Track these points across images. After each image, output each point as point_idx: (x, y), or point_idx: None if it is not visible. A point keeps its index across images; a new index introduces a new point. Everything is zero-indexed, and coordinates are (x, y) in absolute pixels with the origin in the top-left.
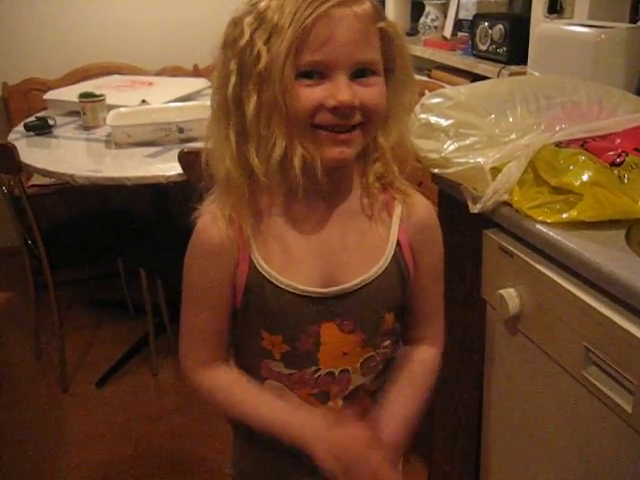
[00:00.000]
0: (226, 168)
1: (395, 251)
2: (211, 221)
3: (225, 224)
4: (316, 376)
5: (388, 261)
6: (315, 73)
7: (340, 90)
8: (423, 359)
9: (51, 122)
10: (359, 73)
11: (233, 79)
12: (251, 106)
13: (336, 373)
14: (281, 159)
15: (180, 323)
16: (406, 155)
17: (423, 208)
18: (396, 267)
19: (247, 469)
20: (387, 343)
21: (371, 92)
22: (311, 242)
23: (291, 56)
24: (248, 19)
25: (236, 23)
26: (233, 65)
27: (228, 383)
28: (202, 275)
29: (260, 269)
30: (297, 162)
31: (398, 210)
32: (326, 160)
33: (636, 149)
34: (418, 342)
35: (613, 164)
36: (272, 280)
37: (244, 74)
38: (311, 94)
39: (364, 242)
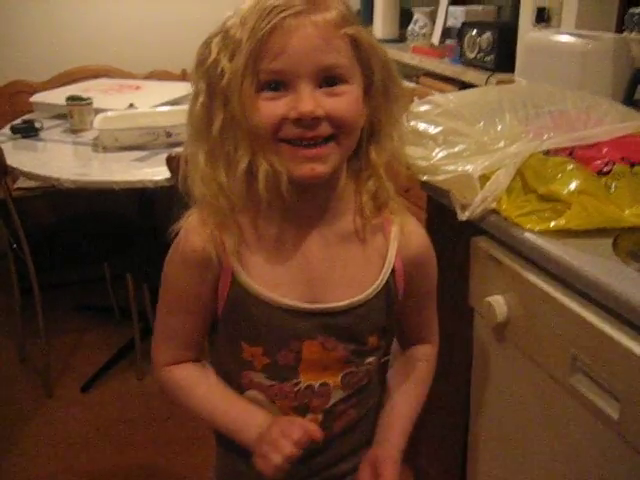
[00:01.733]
0: (199, 189)
1: (388, 278)
2: (193, 231)
3: (207, 236)
4: (296, 389)
5: (380, 288)
6: (278, 85)
7: (301, 100)
8: (423, 356)
9: (38, 125)
10: (327, 82)
11: (201, 98)
12: (217, 124)
13: (316, 387)
14: (247, 176)
15: (155, 319)
16: (399, 168)
17: (421, 237)
18: (385, 293)
19: (227, 477)
20: (370, 360)
21: (339, 101)
22: (297, 262)
23: (249, 69)
24: (216, 39)
25: (207, 44)
26: (201, 84)
27: (191, 381)
28: (179, 281)
29: (242, 282)
30: (262, 178)
31: (395, 237)
32: (298, 178)
33: (623, 158)
34: (415, 344)
35: (600, 173)
36: (254, 293)
37: (212, 93)
38: (274, 107)
39: (354, 265)
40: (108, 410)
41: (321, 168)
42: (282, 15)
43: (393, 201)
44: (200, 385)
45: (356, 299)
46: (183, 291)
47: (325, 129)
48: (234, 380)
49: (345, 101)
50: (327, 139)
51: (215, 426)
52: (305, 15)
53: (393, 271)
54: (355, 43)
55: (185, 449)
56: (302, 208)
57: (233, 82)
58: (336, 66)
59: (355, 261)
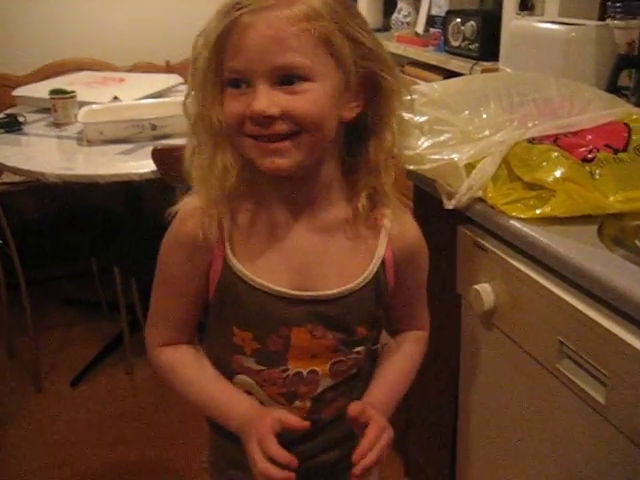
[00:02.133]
0: (194, 175)
1: (378, 269)
2: (187, 215)
3: (200, 220)
4: (284, 375)
5: (369, 278)
6: (240, 82)
7: (255, 99)
8: (412, 337)
9: (21, 119)
10: (285, 80)
11: (187, 91)
12: (192, 117)
13: (304, 374)
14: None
15: (150, 300)
16: (395, 162)
17: (413, 229)
18: (375, 284)
19: (219, 462)
20: (359, 349)
21: (298, 99)
22: (288, 248)
23: (211, 67)
24: (201, 37)
25: (196, 37)
26: (189, 79)
27: (181, 363)
28: (173, 264)
29: (233, 267)
30: (216, 171)
31: (387, 228)
32: (262, 170)
33: (607, 145)
34: (405, 331)
35: (585, 160)
36: (245, 279)
37: (194, 82)
38: (236, 104)
39: (344, 255)
40: (98, 404)
41: (281, 162)
42: (238, 13)
43: (388, 197)
44: (189, 367)
45: (345, 288)
46: (175, 274)
47: (281, 127)
48: (225, 365)
49: (305, 99)
50: (288, 135)
51: (200, 409)
52: (261, 12)
53: (383, 263)
54: (325, 39)
55: (175, 442)
56: (290, 197)
57: (199, 76)
58: (292, 66)
59: (345, 251)
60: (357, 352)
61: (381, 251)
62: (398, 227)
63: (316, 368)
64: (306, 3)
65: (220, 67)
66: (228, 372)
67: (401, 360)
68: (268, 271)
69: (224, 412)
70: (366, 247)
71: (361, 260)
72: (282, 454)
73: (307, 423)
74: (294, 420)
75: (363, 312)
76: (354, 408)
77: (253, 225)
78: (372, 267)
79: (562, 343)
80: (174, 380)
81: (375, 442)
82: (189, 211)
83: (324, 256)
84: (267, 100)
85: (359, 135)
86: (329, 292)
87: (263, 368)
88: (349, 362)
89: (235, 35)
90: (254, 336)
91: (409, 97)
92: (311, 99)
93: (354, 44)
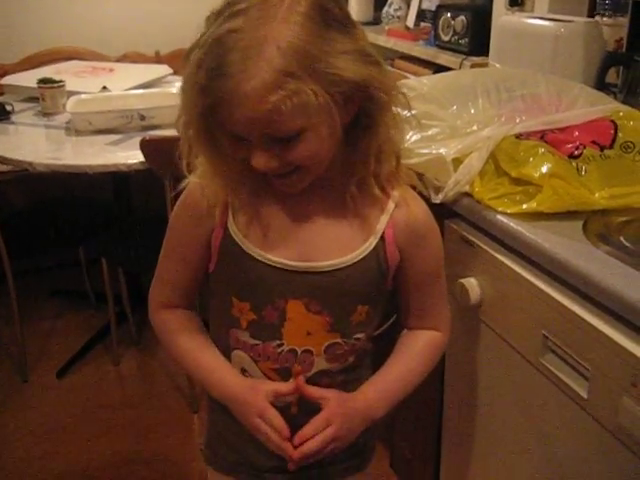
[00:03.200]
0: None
1: (377, 245)
2: (194, 185)
3: (206, 191)
4: (279, 351)
5: (367, 252)
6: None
7: (254, 158)
8: (425, 336)
9: (8, 108)
10: (281, 138)
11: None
12: (200, 146)
13: (299, 352)
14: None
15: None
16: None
17: (420, 212)
18: (375, 260)
19: (214, 443)
20: (359, 336)
21: (294, 149)
22: (288, 221)
23: (203, 122)
24: (187, 65)
25: (185, 59)
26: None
27: (179, 327)
28: (179, 231)
29: (234, 235)
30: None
31: (390, 207)
32: (276, 188)
33: (594, 142)
34: (420, 329)
35: (571, 156)
36: (244, 248)
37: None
38: (238, 150)
39: (346, 230)
40: (84, 395)
41: (295, 188)
42: (216, 95)
43: (395, 178)
44: (181, 331)
45: (342, 260)
46: (180, 239)
47: (284, 170)
48: (224, 340)
49: (301, 148)
50: (294, 169)
51: (188, 373)
52: (244, 82)
53: (383, 240)
54: (305, 96)
55: (163, 432)
56: None
57: (193, 124)
58: (280, 133)
59: (347, 226)
60: (356, 339)
61: (381, 228)
62: (404, 209)
63: (311, 347)
64: (270, 68)
65: (211, 122)
66: (226, 348)
67: (406, 359)
68: (268, 242)
69: (208, 379)
70: (368, 222)
71: (361, 234)
72: (283, 425)
73: (295, 383)
74: (284, 386)
75: (363, 289)
76: (307, 387)
77: (256, 196)
78: (370, 242)
79: (546, 337)
80: (166, 341)
81: (316, 431)
82: (195, 182)
83: (325, 229)
84: (264, 159)
85: (354, 125)
86: (326, 263)
87: (258, 342)
88: (346, 347)
89: (221, 108)
90: (251, 306)
91: (402, 93)
92: (307, 146)
93: (336, 79)
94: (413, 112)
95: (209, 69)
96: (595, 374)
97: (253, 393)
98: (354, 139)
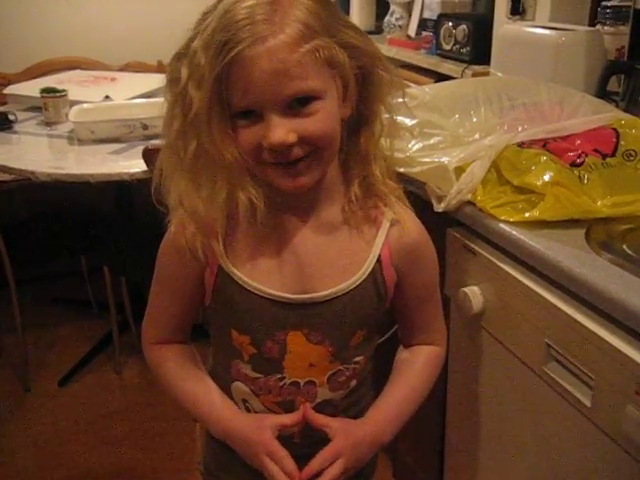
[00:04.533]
0: (178, 199)
1: (374, 268)
2: (177, 231)
3: (190, 236)
4: (281, 384)
5: (365, 276)
6: (250, 113)
7: (270, 131)
8: (423, 352)
9: (11, 117)
10: (298, 102)
11: (176, 125)
12: (190, 154)
13: (301, 384)
14: (228, 199)
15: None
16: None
17: (414, 230)
18: (372, 283)
19: (211, 464)
20: (359, 359)
21: (311, 121)
22: (284, 251)
23: (215, 105)
24: (185, 61)
25: (176, 62)
26: (177, 110)
27: (174, 363)
28: (167, 269)
29: (228, 272)
30: (242, 210)
31: (385, 227)
32: (284, 190)
33: (595, 150)
34: (418, 345)
35: (573, 164)
36: (240, 283)
37: (184, 120)
38: (249, 136)
39: (342, 255)
40: (86, 404)
41: (304, 180)
42: (238, 48)
43: (385, 191)
44: (176, 368)
45: (340, 288)
46: (170, 276)
47: (299, 151)
48: (225, 370)
49: (318, 119)
50: (305, 155)
51: (185, 409)
52: (261, 43)
53: (380, 262)
54: (324, 55)
55: (164, 441)
56: (291, 202)
57: (201, 116)
58: (302, 91)
59: (343, 251)
60: (356, 362)
61: (377, 250)
62: (397, 226)
63: (314, 379)
64: (297, 21)
65: (223, 104)
66: (227, 378)
67: (409, 378)
68: (265, 274)
69: (206, 416)
70: (363, 245)
71: (358, 259)
72: (294, 468)
73: (301, 413)
74: (289, 418)
75: (361, 314)
76: (313, 414)
77: (249, 227)
78: (367, 265)
79: (549, 346)
80: (161, 378)
81: (324, 464)
82: (177, 226)
83: (322, 257)
84: (282, 130)
85: (351, 127)
86: (324, 293)
87: (259, 376)
88: (348, 372)
89: (236, 74)
90: (251, 340)
91: (399, 88)
92: (322, 118)
93: (348, 50)
94: (412, 122)
95: (217, 42)
96: (599, 382)
97: (259, 431)
98: (353, 137)
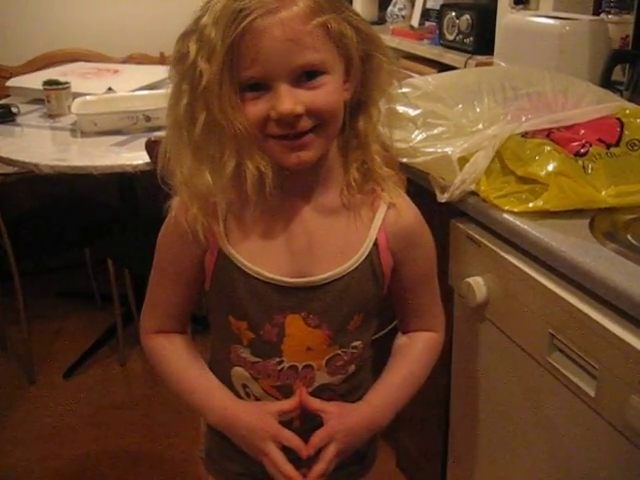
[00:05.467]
0: (184, 181)
1: (370, 251)
2: (178, 213)
3: (191, 217)
4: (279, 368)
5: (361, 260)
6: (259, 85)
7: (279, 101)
8: (421, 338)
9: (14, 110)
10: (306, 75)
11: (184, 100)
12: (199, 126)
13: (299, 368)
14: (235, 173)
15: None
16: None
17: (410, 215)
18: (369, 267)
19: (213, 453)
20: (357, 344)
21: (318, 94)
22: (283, 235)
23: (226, 75)
24: (193, 37)
25: (184, 40)
26: (185, 86)
27: (172, 353)
28: (168, 253)
29: (228, 254)
30: (250, 181)
31: (381, 211)
32: (286, 166)
33: (600, 140)
34: (416, 331)
35: (577, 154)
36: (240, 266)
37: (194, 95)
38: (256, 108)
39: (340, 239)
40: (91, 396)
41: (307, 156)
42: (250, 18)
43: (383, 176)
44: (174, 357)
45: (337, 271)
46: (170, 264)
47: (306, 123)
48: (224, 355)
49: (324, 92)
50: (310, 129)
51: (182, 399)
52: (270, 16)
53: (377, 245)
54: (332, 30)
55: (169, 432)
56: (290, 184)
57: (212, 87)
58: (311, 63)
59: (340, 234)
60: (354, 347)
61: (373, 234)
62: (393, 210)
63: (312, 363)
64: None
65: (233, 74)
66: (227, 364)
67: (407, 363)
68: (263, 258)
69: (204, 404)
70: (360, 230)
71: (355, 243)
72: (300, 443)
73: (298, 398)
74: (288, 403)
75: (358, 298)
76: (308, 398)
77: (248, 211)
78: (364, 249)
79: (553, 336)
80: (159, 367)
81: (315, 449)
82: (178, 208)
83: (322, 240)
84: (292, 100)
85: (350, 111)
86: (323, 276)
87: (258, 360)
88: (346, 357)
89: (248, 43)
90: (249, 325)
91: (396, 74)
92: (329, 91)
93: (353, 30)
94: (415, 112)
95: (229, 13)
96: (603, 372)
97: (262, 418)
98: (352, 121)
